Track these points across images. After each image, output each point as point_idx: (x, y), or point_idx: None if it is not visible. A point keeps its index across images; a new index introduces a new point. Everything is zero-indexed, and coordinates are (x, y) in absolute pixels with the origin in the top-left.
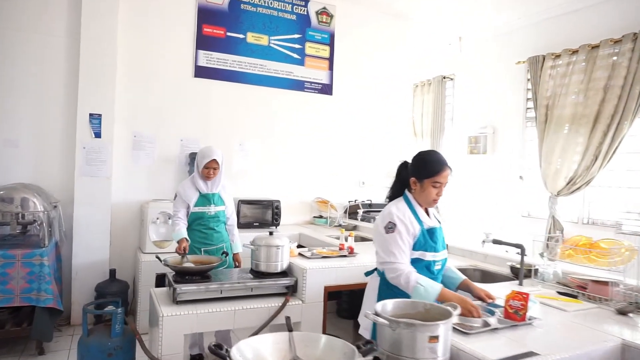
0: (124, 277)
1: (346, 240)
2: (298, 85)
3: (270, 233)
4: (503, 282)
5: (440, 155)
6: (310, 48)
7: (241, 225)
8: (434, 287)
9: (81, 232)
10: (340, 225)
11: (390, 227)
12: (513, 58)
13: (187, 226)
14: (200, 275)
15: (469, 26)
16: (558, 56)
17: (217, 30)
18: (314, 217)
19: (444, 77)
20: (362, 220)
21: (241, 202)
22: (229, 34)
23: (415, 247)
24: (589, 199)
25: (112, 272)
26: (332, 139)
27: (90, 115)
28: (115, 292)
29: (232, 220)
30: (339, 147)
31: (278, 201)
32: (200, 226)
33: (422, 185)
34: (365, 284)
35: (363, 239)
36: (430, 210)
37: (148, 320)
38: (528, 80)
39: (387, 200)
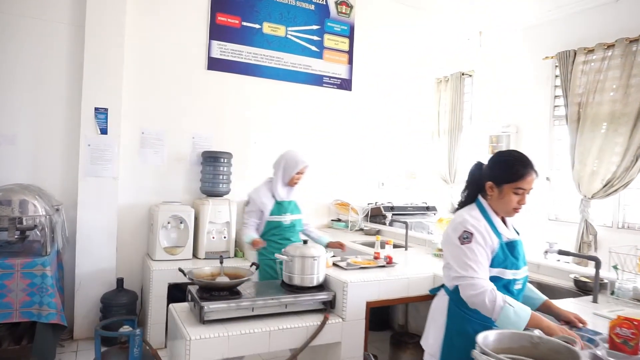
0: (131, 286)
1: (382, 247)
2: (316, 79)
3: (305, 242)
4: (569, 299)
5: (524, 156)
6: (329, 40)
7: None
8: (524, 311)
9: (85, 237)
10: (361, 230)
11: (466, 237)
12: (540, 53)
13: (261, 236)
14: (229, 290)
15: (492, 19)
16: (591, 51)
17: (231, 19)
18: (332, 220)
19: (463, 74)
20: (390, 224)
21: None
22: (244, 23)
23: (493, 264)
24: (624, 202)
25: (120, 282)
26: (350, 137)
27: (96, 109)
28: (124, 303)
29: (308, 224)
30: (357, 146)
31: None
32: (276, 236)
33: (500, 191)
34: (409, 299)
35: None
36: (508, 220)
37: (165, 336)
38: (556, 76)
39: (457, 207)
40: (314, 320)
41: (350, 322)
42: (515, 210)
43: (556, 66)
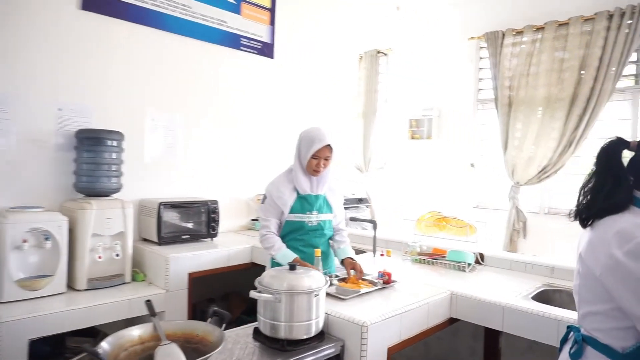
0: None
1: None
2: (233, 40)
3: (292, 267)
4: None
5: None
6: None
7: (164, 241)
8: None
9: None
10: None
11: None
12: (464, 33)
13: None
14: None
15: None
16: (520, 32)
17: None
18: (253, 220)
19: (379, 52)
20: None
21: (162, 207)
22: None
23: None
24: (551, 188)
25: None
26: (274, 117)
27: None
28: None
29: (342, 226)
30: (282, 128)
31: (215, 202)
32: (297, 242)
33: None
34: (429, 332)
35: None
36: None
37: None
38: (481, 58)
39: (595, 212)
40: None
41: None
42: None
43: (481, 47)
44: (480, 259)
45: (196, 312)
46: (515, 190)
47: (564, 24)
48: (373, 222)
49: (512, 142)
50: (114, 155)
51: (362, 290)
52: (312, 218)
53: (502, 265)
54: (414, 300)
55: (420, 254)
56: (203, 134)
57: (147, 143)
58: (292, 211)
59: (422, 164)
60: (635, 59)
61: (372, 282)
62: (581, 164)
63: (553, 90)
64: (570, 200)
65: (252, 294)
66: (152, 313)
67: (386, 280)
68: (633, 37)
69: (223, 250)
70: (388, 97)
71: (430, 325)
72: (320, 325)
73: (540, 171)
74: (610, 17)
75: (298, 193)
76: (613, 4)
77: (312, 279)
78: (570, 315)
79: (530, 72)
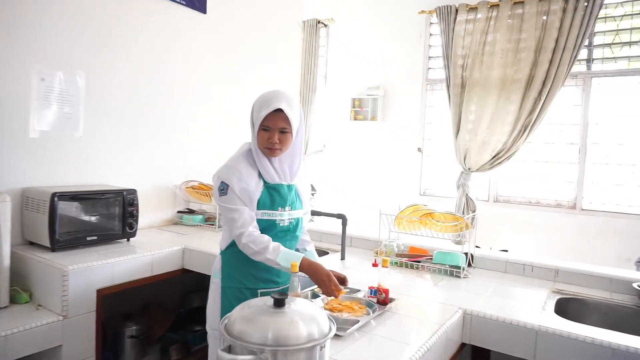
0: None
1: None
2: None
3: (278, 303)
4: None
5: None
6: None
7: (60, 245)
8: None
9: None
10: None
11: None
12: (414, 6)
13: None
14: None
15: None
16: (474, 9)
17: None
18: (179, 212)
19: (319, 22)
20: None
21: (57, 198)
22: None
23: None
24: (501, 175)
25: None
26: (203, 81)
27: None
28: None
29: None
30: (215, 94)
31: (133, 192)
32: None
33: None
34: None
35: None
36: None
37: None
38: (431, 35)
39: None
40: None
41: None
42: None
43: (432, 23)
44: (470, 261)
45: (107, 335)
46: (465, 177)
47: (519, 2)
48: (342, 217)
49: (466, 125)
50: None
51: (361, 320)
52: (285, 216)
53: (495, 268)
54: (429, 329)
55: (399, 255)
56: (114, 101)
57: (33, 111)
58: (259, 206)
59: (366, 148)
60: (587, 44)
61: (363, 303)
62: (532, 150)
63: (509, 71)
64: (521, 187)
65: (223, 356)
66: None
67: (383, 300)
68: (588, 20)
69: (145, 255)
70: (328, 74)
71: (447, 359)
72: None
73: (494, 157)
74: None
75: (265, 182)
76: None
77: (311, 321)
78: (629, 343)
79: (485, 51)
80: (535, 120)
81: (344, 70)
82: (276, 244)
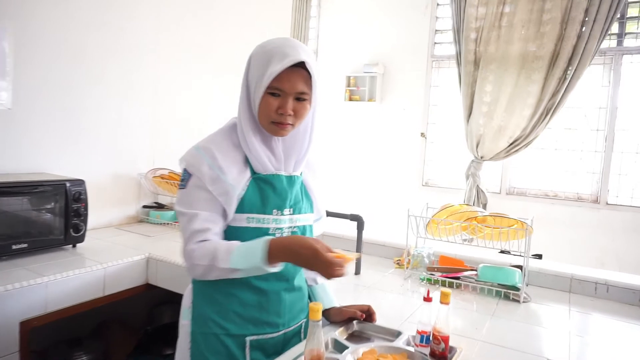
0: None
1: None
2: None
3: None
4: None
5: None
6: None
7: None
8: None
9: None
10: None
11: None
12: None
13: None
14: None
15: None
16: None
17: None
18: (145, 206)
19: None
20: None
21: None
22: None
23: None
24: (517, 164)
25: None
26: (175, 39)
27: None
28: None
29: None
30: (193, 64)
31: (80, 182)
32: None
33: None
34: None
35: None
36: None
37: None
38: (438, 5)
39: None
40: None
41: None
42: None
43: None
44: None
45: None
46: (476, 166)
47: None
48: (357, 219)
49: (479, 108)
50: None
51: None
52: (283, 222)
53: (556, 286)
54: None
55: (431, 268)
56: (55, 62)
57: None
58: (243, 208)
59: (362, 132)
60: (619, 16)
61: (403, 353)
62: (551, 137)
63: (530, 46)
64: (536, 178)
65: None
66: None
67: (441, 353)
68: None
69: (94, 269)
70: (320, 48)
71: None
72: None
73: (511, 144)
74: None
75: (253, 172)
76: None
77: None
78: None
79: (503, 23)
80: (558, 103)
81: (338, 44)
82: (227, 243)
